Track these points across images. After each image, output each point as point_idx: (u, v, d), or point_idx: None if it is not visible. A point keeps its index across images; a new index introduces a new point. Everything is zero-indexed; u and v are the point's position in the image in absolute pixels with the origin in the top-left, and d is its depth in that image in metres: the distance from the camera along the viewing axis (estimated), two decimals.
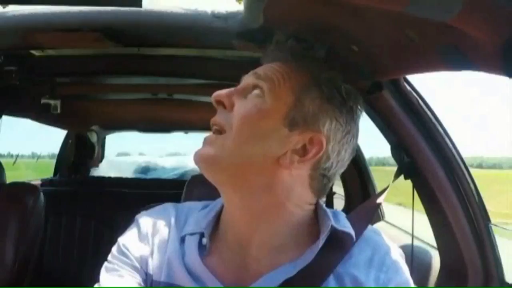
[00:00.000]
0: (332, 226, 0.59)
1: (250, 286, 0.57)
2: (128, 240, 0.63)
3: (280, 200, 0.58)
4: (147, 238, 0.63)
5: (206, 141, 0.60)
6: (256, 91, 0.59)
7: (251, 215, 0.59)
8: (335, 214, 0.63)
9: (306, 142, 0.57)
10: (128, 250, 0.61)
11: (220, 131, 0.59)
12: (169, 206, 0.68)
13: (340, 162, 0.60)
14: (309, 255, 0.58)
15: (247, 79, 0.62)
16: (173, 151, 3.90)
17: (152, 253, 0.61)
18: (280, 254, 0.59)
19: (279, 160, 0.57)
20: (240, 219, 0.60)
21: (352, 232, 0.61)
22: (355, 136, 0.62)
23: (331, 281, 0.58)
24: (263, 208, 0.58)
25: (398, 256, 0.62)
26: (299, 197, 0.59)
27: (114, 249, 0.63)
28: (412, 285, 0.60)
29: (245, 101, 0.59)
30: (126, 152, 3.89)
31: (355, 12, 0.67)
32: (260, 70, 0.62)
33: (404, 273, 0.60)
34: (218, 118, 0.60)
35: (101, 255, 0.64)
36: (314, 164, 0.58)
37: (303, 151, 0.57)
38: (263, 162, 0.57)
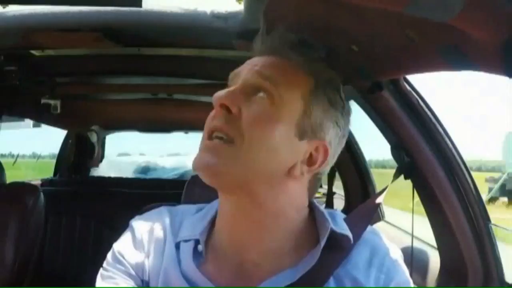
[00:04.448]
0: (331, 228, 0.58)
1: None
2: (123, 247, 0.61)
3: (282, 209, 0.57)
4: (142, 244, 0.61)
5: (209, 148, 0.55)
6: (261, 94, 0.56)
7: (252, 222, 0.58)
8: (332, 215, 0.62)
9: (312, 150, 0.56)
10: (123, 257, 0.60)
11: (226, 140, 0.54)
12: (163, 211, 0.66)
13: (332, 162, 0.60)
14: (310, 260, 0.56)
15: (250, 79, 0.57)
16: (173, 151, 3.91)
17: (147, 260, 0.60)
18: (280, 260, 0.58)
19: (289, 172, 0.55)
20: (240, 226, 0.58)
21: (350, 234, 0.59)
22: (346, 135, 0.62)
23: (331, 283, 0.57)
24: (264, 216, 0.57)
25: (397, 256, 0.62)
26: (299, 203, 0.59)
27: (109, 256, 0.61)
28: (412, 285, 0.60)
29: (252, 106, 0.55)
30: (126, 152, 3.90)
31: (355, 12, 0.67)
32: (262, 68, 0.57)
33: (403, 274, 0.60)
34: (225, 126, 0.54)
35: (101, 255, 0.64)
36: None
37: (309, 160, 0.56)
38: (275, 175, 0.55)
